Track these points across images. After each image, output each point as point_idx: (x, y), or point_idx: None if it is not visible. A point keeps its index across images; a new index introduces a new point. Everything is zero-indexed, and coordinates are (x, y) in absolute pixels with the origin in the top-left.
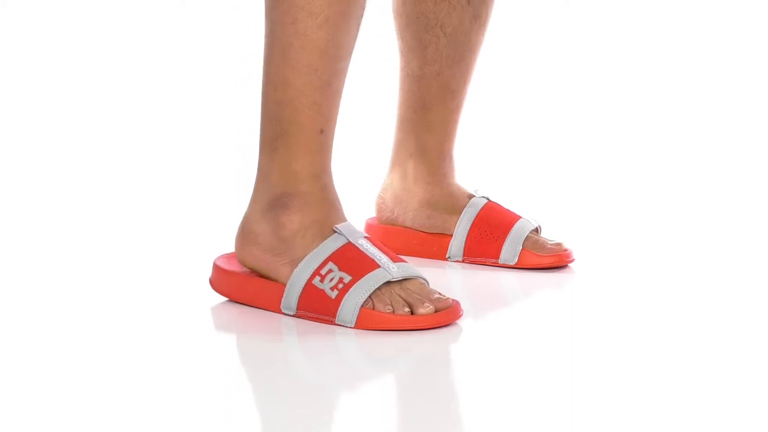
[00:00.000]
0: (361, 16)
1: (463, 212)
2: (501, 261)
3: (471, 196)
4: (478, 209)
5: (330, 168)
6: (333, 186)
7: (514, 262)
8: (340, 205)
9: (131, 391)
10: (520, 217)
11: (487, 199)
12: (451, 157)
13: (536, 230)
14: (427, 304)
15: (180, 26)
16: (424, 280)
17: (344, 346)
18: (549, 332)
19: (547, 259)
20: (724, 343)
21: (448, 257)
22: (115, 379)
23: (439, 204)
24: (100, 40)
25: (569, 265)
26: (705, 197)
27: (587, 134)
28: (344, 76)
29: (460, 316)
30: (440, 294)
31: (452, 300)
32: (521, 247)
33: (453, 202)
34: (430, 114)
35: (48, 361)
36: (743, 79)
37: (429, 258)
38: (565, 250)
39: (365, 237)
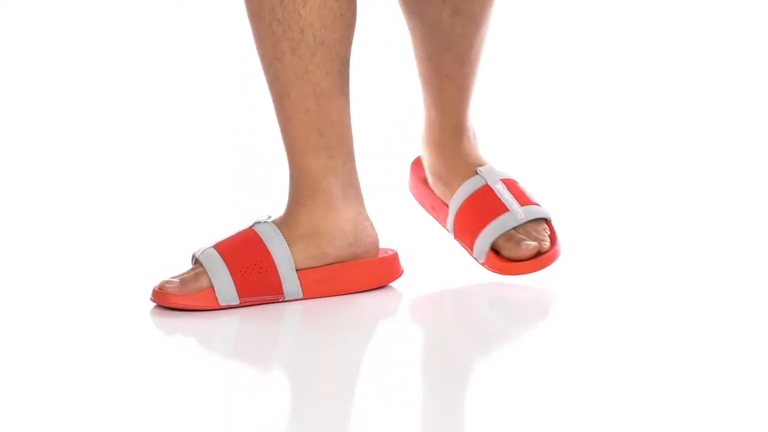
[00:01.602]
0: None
1: (458, 188)
2: (474, 255)
3: (476, 173)
4: (473, 190)
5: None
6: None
7: (482, 260)
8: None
9: (127, 390)
10: (507, 210)
11: (498, 178)
12: (457, 129)
13: (544, 222)
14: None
15: (180, 26)
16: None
17: (337, 338)
18: (548, 333)
19: (514, 268)
20: (723, 342)
21: (447, 230)
22: (115, 377)
23: (441, 174)
24: (100, 40)
25: (567, 264)
26: (704, 196)
27: (586, 134)
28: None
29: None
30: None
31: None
32: (488, 248)
33: (451, 175)
34: (429, 93)
35: (41, 360)
36: (743, 79)
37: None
38: (543, 253)
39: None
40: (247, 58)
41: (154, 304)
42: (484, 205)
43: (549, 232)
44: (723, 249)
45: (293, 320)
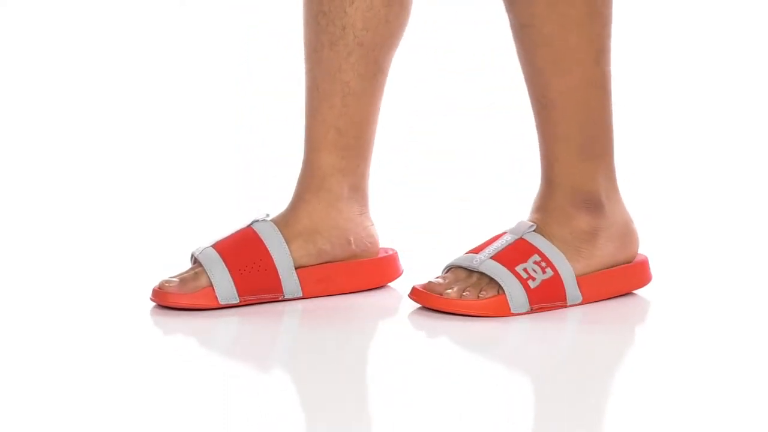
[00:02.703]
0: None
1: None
2: None
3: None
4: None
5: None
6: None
7: None
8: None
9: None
10: (476, 253)
11: (519, 235)
12: (548, 181)
13: (497, 286)
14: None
15: (180, 26)
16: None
17: (337, 338)
18: (548, 331)
19: (412, 291)
20: (724, 342)
21: None
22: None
23: None
24: (100, 40)
25: None
26: (704, 197)
27: None
28: (320, 70)
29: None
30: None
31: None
32: (443, 271)
33: None
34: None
35: (40, 360)
36: (743, 79)
37: None
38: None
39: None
40: (247, 58)
41: (154, 303)
42: (485, 243)
43: (482, 294)
44: (719, 248)
45: (293, 320)
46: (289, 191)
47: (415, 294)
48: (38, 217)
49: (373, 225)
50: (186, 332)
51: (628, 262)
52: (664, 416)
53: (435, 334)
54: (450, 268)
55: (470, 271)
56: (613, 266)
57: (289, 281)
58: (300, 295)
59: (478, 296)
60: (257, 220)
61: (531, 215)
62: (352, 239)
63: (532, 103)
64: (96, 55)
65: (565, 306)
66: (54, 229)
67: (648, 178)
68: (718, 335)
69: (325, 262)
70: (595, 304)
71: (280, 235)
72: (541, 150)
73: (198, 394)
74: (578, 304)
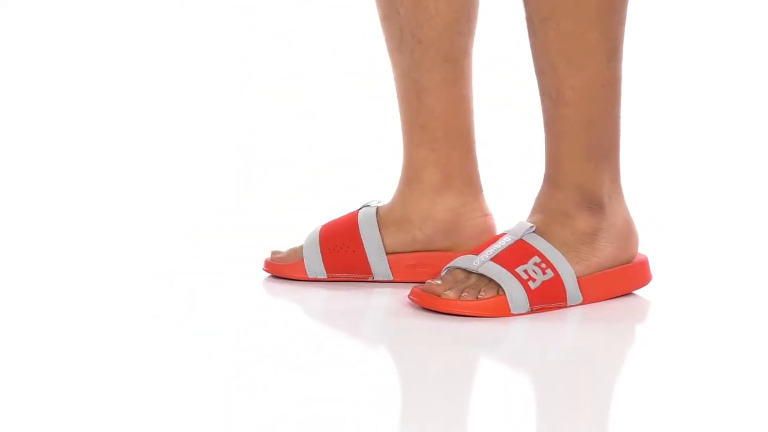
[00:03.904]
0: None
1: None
2: None
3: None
4: (499, 232)
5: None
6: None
7: None
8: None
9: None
10: (476, 255)
11: (518, 237)
12: (549, 177)
13: (496, 287)
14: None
15: (180, 26)
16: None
17: (341, 338)
18: (551, 329)
19: (412, 291)
20: (724, 341)
21: None
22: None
23: None
24: (100, 40)
25: None
26: (704, 197)
27: None
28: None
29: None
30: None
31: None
32: (443, 272)
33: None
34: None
35: (42, 357)
36: (742, 80)
37: None
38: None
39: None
40: (247, 58)
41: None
42: (484, 244)
43: (480, 295)
44: (717, 250)
45: (295, 321)
46: (289, 191)
47: (414, 295)
48: (37, 218)
49: (487, 215)
50: (185, 333)
51: (627, 263)
52: (664, 416)
53: (435, 334)
54: (449, 269)
55: (469, 273)
56: (612, 267)
57: (378, 264)
58: (391, 278)
59: (477, 297)
60: (366, 205)
61: (532, 215)
62: (450, 228)
63: (542, 99)
64: (96, 55)
65: (566, 306)
66: (52, 231)
67: (648, 178)
68: (718, 335)
69: (419, 250)
70: (595, 304)
71: (375, 222)
72: (546, 148)
73: (198, 394)
74: (578, 305)
